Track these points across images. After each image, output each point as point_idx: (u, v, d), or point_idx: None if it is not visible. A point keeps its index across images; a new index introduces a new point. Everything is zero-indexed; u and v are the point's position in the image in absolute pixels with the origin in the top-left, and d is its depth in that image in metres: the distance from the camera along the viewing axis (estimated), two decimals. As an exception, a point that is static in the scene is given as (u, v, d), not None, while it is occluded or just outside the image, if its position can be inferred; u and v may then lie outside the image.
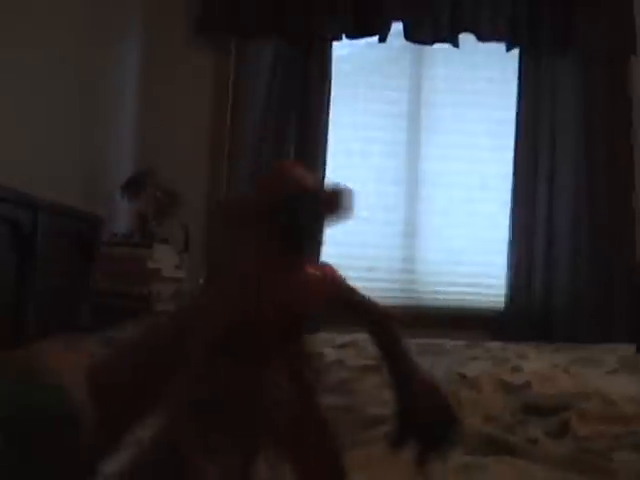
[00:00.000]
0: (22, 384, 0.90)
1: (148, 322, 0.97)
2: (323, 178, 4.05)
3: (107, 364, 0.99)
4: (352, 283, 1.03)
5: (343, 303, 0.92)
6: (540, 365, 2.32)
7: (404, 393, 0.96)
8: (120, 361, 0.99)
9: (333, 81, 4.12)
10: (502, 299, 4.12)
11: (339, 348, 2.58)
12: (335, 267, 0.96)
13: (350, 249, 4.17)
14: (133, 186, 3.52)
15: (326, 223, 0.88)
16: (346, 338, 2.75)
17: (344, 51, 4.23)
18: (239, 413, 0.86)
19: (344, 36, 4.09)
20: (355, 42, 4.17)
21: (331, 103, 4.10)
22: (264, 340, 0.86)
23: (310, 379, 0.92)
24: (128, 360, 0.98)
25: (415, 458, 0.98)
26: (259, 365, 0.87)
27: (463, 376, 2.01)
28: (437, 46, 4.13)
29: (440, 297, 4.18)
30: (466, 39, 4.11)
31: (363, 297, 0.96)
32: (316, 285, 0.89)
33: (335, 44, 4.13)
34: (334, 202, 0.88)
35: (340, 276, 0.95)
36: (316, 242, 0.89)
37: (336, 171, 4.16)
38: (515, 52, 4.16)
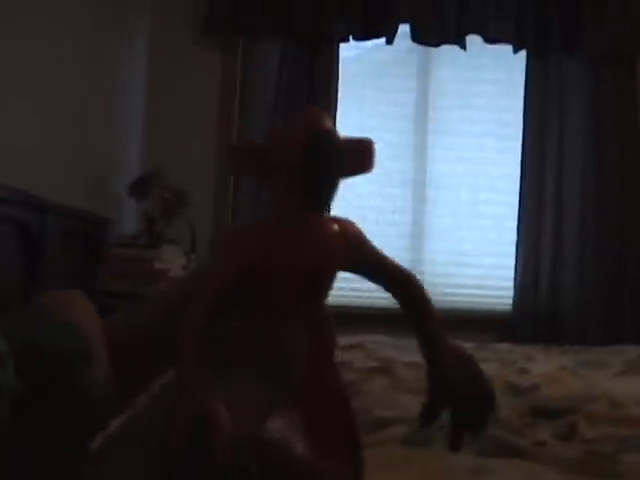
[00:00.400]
0: (37, 321, 0.89)
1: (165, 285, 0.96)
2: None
3: (121, 320, 0.98)
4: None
5: (364, 261, 0.88)
6: (548, 367, 2.32)
7: (436, 361, 0.91)
8: (136, 317, 0.98)
9: (340, 82, 4.12)
10: (510, 301, 4.11)
11: (346, 350, 2.58)
12: (356, 223, 0.92)
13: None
14: (140, 187, 3.52)
15: (345, 176, 0.86)
16: (353, 339, 2.75)
17: (351, 52, 4.23)
18: (252, 361, 0.84)
19: (351, 37, 4.10)
20: (362, 44, 4.17)
21: (338, 104, 4.11)
22: (278, 292, 0.85)
23: (329, 342, 0.90)
24: (144, 316, 0.97)
25: (449, 437, 0.93)
26: (272, 318, 0.85)
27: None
28: (444, 48, 4.13)
29: (447, 299, 4.17)
30: (473, 41, 4.11)
31: (386, 257, 0.93)
32: (337, 240, 0.87)
33: (342, 45, 4.13)
34: (357, 152, 0.89)
35: (362, 232, 0.92)
36: (334, 195, 0.87)
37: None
38: (522, 54, 4.15)
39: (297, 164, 0.80)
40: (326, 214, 0.88)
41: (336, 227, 0.89)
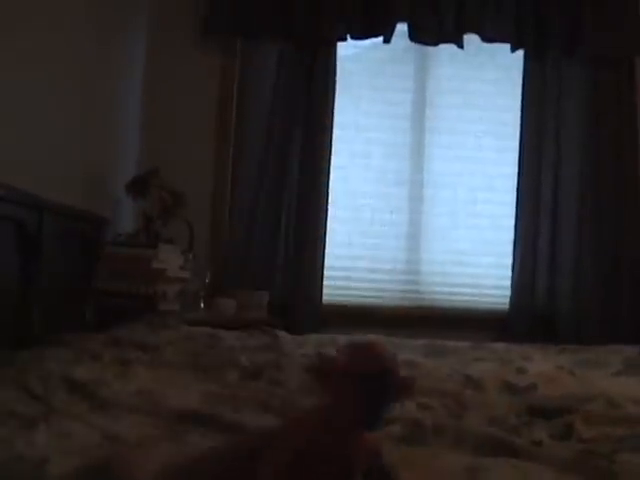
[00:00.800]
0: None
1: (227, 439, 1.05)
2: (328, 180, 4.07)
3: (180, 470, 1.04)
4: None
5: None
6: (545, 367, 2.32)
7: None
8: (194, 468, 1.04)
9: (337, 81, 4.12)
10: (507, 300, 4.12)
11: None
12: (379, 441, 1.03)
13: (354, 250, 4.17)
14: (138, 186, 3.52)
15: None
16: (350, 339, 2.75)
17: (349, 51, 4.22)
18: None
19: (349, 36, 4.09)
20: (360, 42, 4.17)
21: (335, 103, 4.10)
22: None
23: None
24: (202, 469, 1.03)
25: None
26: None
27: (468, 377, 2.01)
28: (442, 47, 4.13)
29: (444, 298, 4.18)
30: (471, 40, 4.11)
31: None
32: (365, 453, 0.97)
33: (340, 44, 4.13)
34: (407, 387, 0.98)
35: (380, 451, 1.01)
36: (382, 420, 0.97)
37: (340, 172, 4.17)
38: (520, 53, 4.15)
39: (368, 382, 0.93)
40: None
41: (370, 443, 0.99)
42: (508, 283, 4.13)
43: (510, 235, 4.14)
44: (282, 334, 2.85)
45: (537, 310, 4.07)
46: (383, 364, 0.93)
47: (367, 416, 0.94)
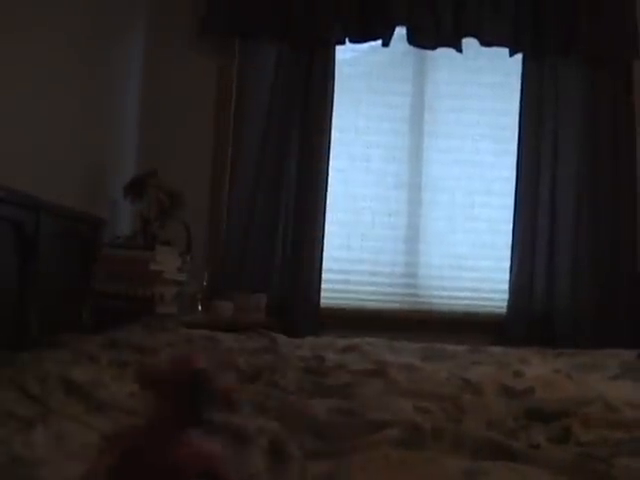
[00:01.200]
0: None
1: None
2: (326, 183, 4.07)
3: None
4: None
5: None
6: (542, 370, 2.32)
7: None
8: None
9: (336, 85, 4.12)
10: (504, 304, 4.12)
11: (341, 352, 2.57)
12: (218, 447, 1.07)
13: (353, 253, 4.17)
14: (136, 188, 3.52)
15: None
16: (348, 342, 2.75)
17: (347, 55, 4.23)
18: None
19: (347, 40, 4.10)
20: (358, 46, 4.18)
21: (334, 106, 4.11)
22: None
23: None
24: None
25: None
26: None
27: (466, 381, 2.01)
28: (440, 50, 4.14)
29: (443, 302, 4.18)
30: (469, 44, 4.12)
31: None
32: (194, 458, 1.00)
33: (338, 48, 4.13)
34: (224, 396, 1.10)
35: (219, 457, 1.04)
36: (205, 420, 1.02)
37: (338, 175, 4.17)
38: (518, 57, 4.16)
39: (187, 388, 0.99)
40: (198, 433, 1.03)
41: (198, 447, 1.02)
42: (506, 287, 4.13)
43: (508, 239, 4.14)
44: (280, 337, 2.85)
45: (535, 314, 4.07)
46: (193, 374, 1.00)
47: (184, 421, 1.00)
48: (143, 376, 1.06)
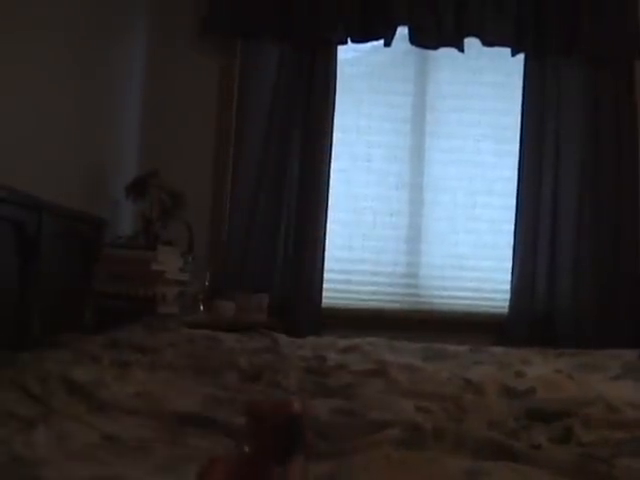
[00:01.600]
0: None
1: None
2: (327, 183, 4.07)
3: None
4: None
5: None
6: (544, 370, 2.31)
7: None
8: None
9: (338, 85, 4.12)
10: (506, 304, 4.12)
11: (342, 352, 2.57)
12: None
13: (354, 253, 4.17)
14: (138, 188, 3.52)
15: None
16: (350, 342, 2.75)
17: (349, 55, 4.23)
18: None
19: (349, 40, 4.10)
20: (360, 46, 4.18)
21: (335, 106, 4.11)
22: None
23: None
24: None
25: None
26: None
27: (467, 381, 2.01)
28: (442, 50, 4.13)
29: (444, 302, 4.18)
30: (471, 43, 4.11)
31: None
32: None
33: (340, 48, 4.13)
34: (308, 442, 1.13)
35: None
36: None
37: (340, 175, 4.17)
38: (520, 56, 4.15)
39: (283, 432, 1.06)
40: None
41: None
42: (507, 287, 4.13)
43: (510, 239, 4.14)
44: (281, 337, 2.85)
45: (536, 314, 4.07)
46: (292, 419, 1.07)
47: (277, 459, 1.05)
48: (253, 411, 1.12)
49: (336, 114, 4.11)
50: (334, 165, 4.10)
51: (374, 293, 4.18)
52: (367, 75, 4.29)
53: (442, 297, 4.19)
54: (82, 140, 3.20)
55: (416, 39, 4.09)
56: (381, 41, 4.08)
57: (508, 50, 4.13)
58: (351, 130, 4.23)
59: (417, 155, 4.25)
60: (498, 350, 2.84)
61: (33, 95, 2.68)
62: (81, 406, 1.56)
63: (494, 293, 4.18)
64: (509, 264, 4.13)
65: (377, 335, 2.95)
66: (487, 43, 4.11)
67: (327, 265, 4.05)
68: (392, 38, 4.06)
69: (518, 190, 4.14)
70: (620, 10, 4.11)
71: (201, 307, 3.69)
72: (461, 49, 4.09)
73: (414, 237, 4.22)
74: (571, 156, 4.12)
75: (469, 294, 4.19)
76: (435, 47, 4.12)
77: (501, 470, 1.20)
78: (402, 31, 4.09)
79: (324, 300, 4.03)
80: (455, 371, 2.21)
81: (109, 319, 2.83)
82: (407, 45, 4.11)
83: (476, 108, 4.27)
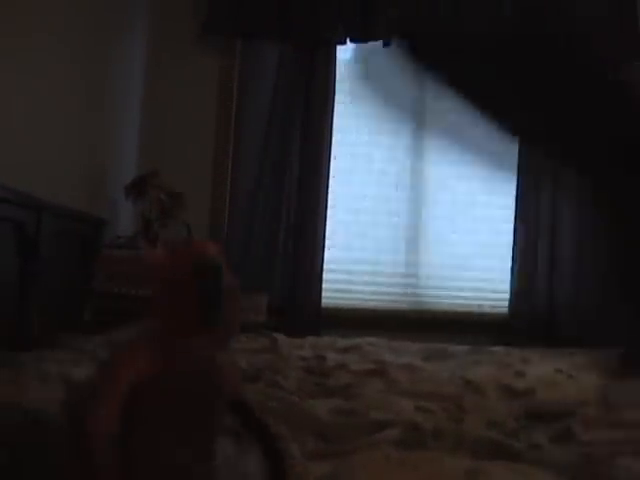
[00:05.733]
0: None
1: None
2: (327, 183, 4.07)
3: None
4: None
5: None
6: (543, 370, 2.32)
7: None
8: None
9: (338, 84, 4.12)
10: (506, 304, 4.11)
11: (342, 352, 2.58)
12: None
13: (354, 253, 4.17)
14: (137, 188, 3.52)
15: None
16: (349, 342, 2.75)
17: (348, 55, 4.23)
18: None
19: (349, 40, 4.10)
20: (360, 46, 4.17)
21: (335, 106, 4.11)
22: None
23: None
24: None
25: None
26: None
27: (467, 381, 2.01)
28: (442, 50, 4.13)
29: (444, 302, 4.17)
30: (471, 44, 4.11)
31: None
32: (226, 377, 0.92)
33: (340, 48, 4.13)
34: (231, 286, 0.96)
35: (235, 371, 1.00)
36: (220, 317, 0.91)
37: (340, 175, 4.17)
38: (520, 57, 4.15)
39: (197, 282, 0.88)
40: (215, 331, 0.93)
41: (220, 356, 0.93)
42: (507, 287, 4.12)
43: (509, 238, 4.13)
44: (281, 337, 2.85)
45: (536, 313, 4.07)
46: (199, 267, 0.88)
47: (206, 315, 0.88)
48: (149, 262, 0.92)
49: (336, 114, 4.10)
50: (333, 165, 4.10)
51: (374, 293, 4.17)
52: (367, 75, 4.28)
53: (442, 297, 4.18)
54: (82, 140, 3.19)
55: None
56: (380, 41, 4.07)
57: (508, 50, 4.12)
58: (350, 130, 4.22)
59: (416, 155, 4.25)
60: (498, 350, 2.84)
61: (33, 95, 2.68)
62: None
63: (494, 293, 4.17)
64: (509, 264, 4.13)
65: (377, 335, 2.95)
66: (487, 43, 4.10)
67: (326, 265, 4.05)
68: (391, 38, 4.05)
69: (518, 190, 4.14)
70: (618, 13, 4.11)
71: (201, 307, 3.68)
72: (461, 49, 4.09)
73: (414, 237, 4.22)
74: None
75: (469, 294, 4.18)
76: (435, 47, 4.12)
77: (500, 470, 1.20)
78: (402, 31, 4.08)
79: (324, 300, 4.03)
80: (455, 371, 2.21)
81: (109, 319, 2.83)
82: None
83: (476, 108, 4.26)
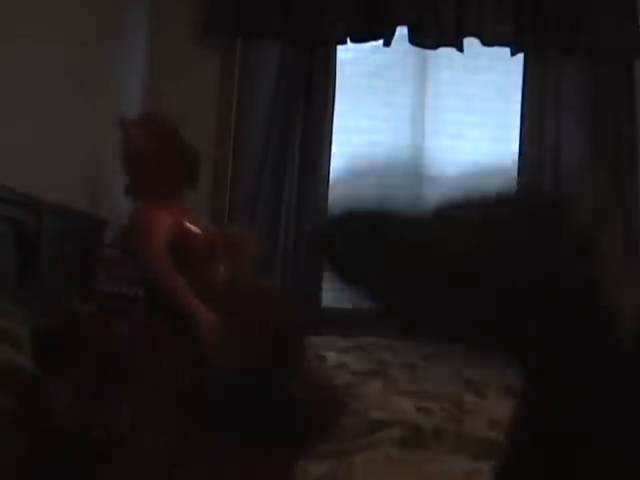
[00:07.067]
0: None
1: None
2: (327, 184, 4.07)
3: None
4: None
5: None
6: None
7: None
8: None
9: (337, 84, 4.12)
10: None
11: (342, 352, 2.58)
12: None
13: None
14: (137, 188, 3.51)
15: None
16: (349, 342, 2.75)
17: (349, 54, 4.23)
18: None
19: (349, 39, 4.10)
20: (360, 46, 4.17)
21: (335, 106, 4.11)
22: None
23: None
24: None
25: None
26: None
27: (467, 381, 2.01)
28: (441, 50, 4.13)
29: (444, 301, 4.17)
30: (470, 42, 4.11)
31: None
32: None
33: (340, 48, 4.14)
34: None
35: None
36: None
37: (340, 174, 4.17)
38: (520, 56, 4.15)
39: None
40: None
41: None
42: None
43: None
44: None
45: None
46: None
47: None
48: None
49: (336, 114, 4.11)
50: (334, 165, 4.10)
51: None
52: (367, 75, 4.28)
53: (442, 297, 4.18)
54: (82, 140, 3.19)
55: (415, 39, 4.09)
56: (380, 41, 4.08)
57: (507, 50, 4.12)
58: (351, 130, 4.22)
59: (417, 154, 4.25)
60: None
61: (33, 95, 2.68)
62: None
63: (494, 293, 4.17)
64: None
65: (377, 335, 2.95)
66: (486, 43, 4.10)
67: (327, 265, 4.04)
68: (392, 38, 4.05)
69: (518, 189, 4.13)
70: (620, 8, 4.11)
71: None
72: (460, 49, 4.09)
73: (414, 237, 4.21)
74: (571, 155, 4.11)
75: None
76: (434, 47, 4.12)
77: (501, 470, 1.20)
78: (402, 31, 4.08)
79: (324, 300, 4.03)
80: (456, 371, 2.21)
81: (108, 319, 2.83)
82: (407, 45, 4.11)
83: (475, 108, 4.26)
